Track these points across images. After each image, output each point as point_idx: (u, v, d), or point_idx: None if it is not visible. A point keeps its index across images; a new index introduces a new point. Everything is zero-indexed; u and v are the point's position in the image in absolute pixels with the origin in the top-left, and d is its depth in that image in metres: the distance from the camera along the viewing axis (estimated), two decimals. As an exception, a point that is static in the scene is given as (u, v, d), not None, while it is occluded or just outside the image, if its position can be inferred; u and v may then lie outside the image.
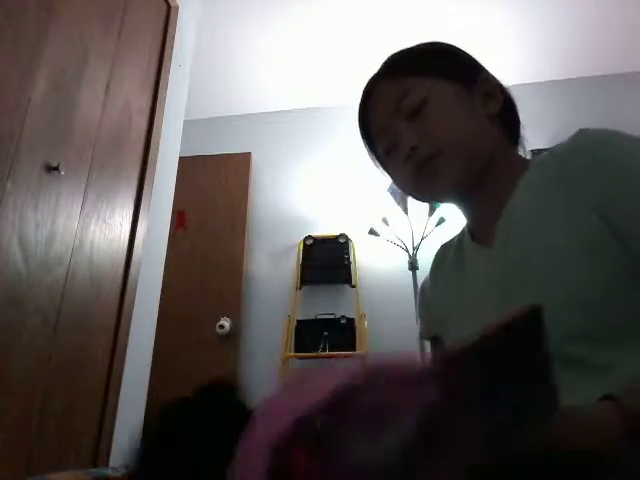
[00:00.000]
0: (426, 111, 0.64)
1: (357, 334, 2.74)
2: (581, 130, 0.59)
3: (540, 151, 0.70)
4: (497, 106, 0.67)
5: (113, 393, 1.47)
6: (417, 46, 0.72)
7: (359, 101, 0.73)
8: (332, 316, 2.81)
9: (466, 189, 0.65)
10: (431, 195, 0.67)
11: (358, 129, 0.75)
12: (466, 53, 0.71)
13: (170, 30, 2.01)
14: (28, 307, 1.18)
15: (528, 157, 0.71)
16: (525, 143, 0.73)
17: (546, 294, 0.52)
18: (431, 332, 0.77)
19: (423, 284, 0.80)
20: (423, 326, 0.80)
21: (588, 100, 3.08)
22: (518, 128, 0.71)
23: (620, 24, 2.79)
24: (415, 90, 0.65)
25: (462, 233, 0.75)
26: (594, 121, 2.91)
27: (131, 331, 1.59)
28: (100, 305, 1.46)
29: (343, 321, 2.78)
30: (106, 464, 1.38)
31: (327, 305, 2.89)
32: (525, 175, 0.63)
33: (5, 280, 1.12)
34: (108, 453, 1.42)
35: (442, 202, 0.71)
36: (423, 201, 0.70)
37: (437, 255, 0.79)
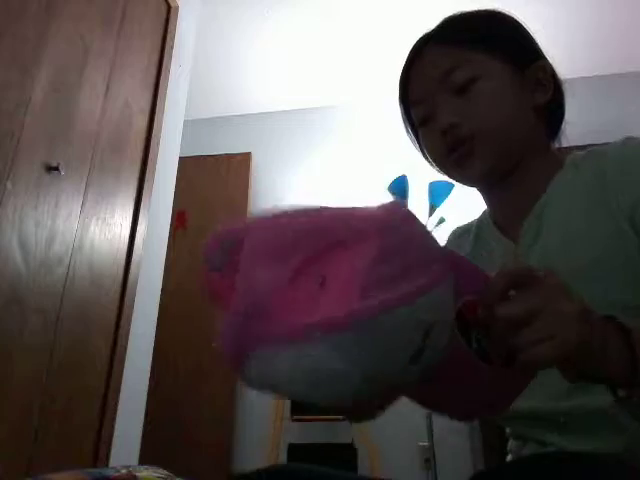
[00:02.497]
0: (474, 90, 0.61)
1: (357, 334, 2.74)
2: (627, 138, 0.58)
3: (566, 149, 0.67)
4: (545, 97, 0.63)
5: (113, 393, 1.47)
6: (479, 14, 0.67)
7: (405, 60, 0.68)
8: (332, 316, 2.81)
9: (496, 177, 0.63)
10: (460, 177, 0.65)
11: (398, 89, 0.69)
12: (528, 33, 0.67)
13: (170, 30, 2.01)
14: (28, 307, 1.18)
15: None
16: (564, 140, 0.69)
17: None
18: None
19: None
20: None
21: (588, 100, 3.08)
22: (561, 123, 0.68)
23: (620, 24, 2.79)
24: (468, 65, 0.61)
25: (480, 220, 0.72)
26: (594, 121, 2.91)
27: (131, 331, 1.59)
28: (100, 305, 1.46)
29: (343, 321, 2.77)
30: (106, 464, 1.38)
31: (327, 305, 2.89)
32: (560, 173, 0.61)
33: (5, 280, 1.12)
34: (108, 453, 1.42)
35: (469, 186, 0.68)
36: (450, 178, 0.67)
37: (454, 234, 0.76)
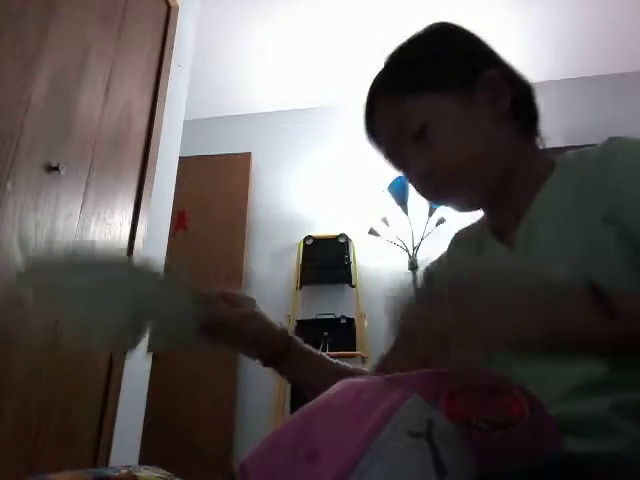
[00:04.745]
0: (429, 135, 0.61)
1: (357, 334, 2.74)
2: (610, 138, 0.56)
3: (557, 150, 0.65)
4: (506, 102, 0.61)
5: (113, 393, 1.47)
6: (406, 55, 0.66)
7: (363, 114, 0.70)
8: (332, 316, 2.81)
9: (486, 201, 0.64)
10: (453, 208, 0.66)
11: (367, 139, 0.72)
12: (468, 44, 0.66)
13: (170, 30, 2.01)
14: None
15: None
16: (543, 136, 0.67)
17: None
18: None
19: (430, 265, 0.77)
20: None
21: (587, 100, 3.08)
22: (536, 119, 0.66)
23: (620, 24, 2.79)
24: (413, 114, 0.61)
25: (481, 226, 0.71)
26: (593, 121, 2.91)
27: (131, 331, 1.59)
28: (100, 305, 1.46)
29: (343, 321, 2.78)
30: (106, 464, 1.38)
31: (327, 305, 2.89)
32: (551, 176, 0.60)
33: (5, 280, 1.12)
34: (108, 453, 1.42)
35: (463, 212, 0.68)
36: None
37: (459, 235, 0.76)
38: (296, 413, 0.40)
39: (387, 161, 0.70)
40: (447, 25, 0.67)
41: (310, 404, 0.40)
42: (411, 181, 0.67)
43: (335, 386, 0.41)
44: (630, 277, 0.50)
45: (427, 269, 0.76)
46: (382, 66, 0.68)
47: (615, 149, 0.54)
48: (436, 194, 0.64)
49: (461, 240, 0.75)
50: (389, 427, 0.34)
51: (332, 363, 0.77)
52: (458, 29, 0.67)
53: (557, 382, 0.52)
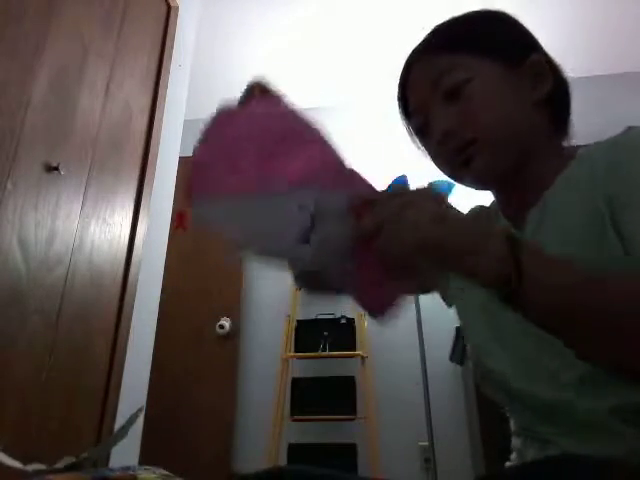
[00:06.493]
0: (467, 93, 0.59)
1: (357, 334, 2.74)
2: (629, 127, 0.56)
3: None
4: (544, 89, 0.61)
5: (113, 393, 1.47)
6: (466, 17, 0.65)
7: (400, 73, 0.68)
8: (332, 316, 2.81)
9: (502, 178, 0.62)
10: (465, 182, 0.64)
11: (397, 102, 0.69)
12: (519, 27, 0.65)
13: (170, 30, 2.01)
14: (28, 307, 1.18)
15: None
16: (573, 132, 0.66)
17: None
18: None
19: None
20: None
21: (587, 100, 3.08)
22: (567, 115, 0.65)
23: (621, 25, 2.79)
24: (458, 68, 0.60)
25: (495, 210, 0.71)
26: (593, 121, 2.91)
27: (131, 331, 1.59)
28: (100, 305, 1.46)
29: (343, 321, 2.78)
30: (106, 464, 1.38)
31: (327, 305, 2.89)
32: (569, 166, 0.60)
33: (5, 280, 1.12)
34: (108, 453, 1.42)
35: (479, 189, 0.66)
36: (459, 183, 0.66)
37: (474, 209, 0.75)
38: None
39: (413, 117, 0.67)
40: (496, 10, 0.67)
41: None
42: (428, 144, 0.65)
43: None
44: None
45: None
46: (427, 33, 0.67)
47: (629, 138, 0.54)
48: (454, 156, 0.61)
49: (476, 213, 0.74)
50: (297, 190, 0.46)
51: None
52: (508, 14, 0.67)
53: (555, 379, 0.52)
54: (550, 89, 0.62)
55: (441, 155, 0.63)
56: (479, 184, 0.64)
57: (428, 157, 0.69)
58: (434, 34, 0.66)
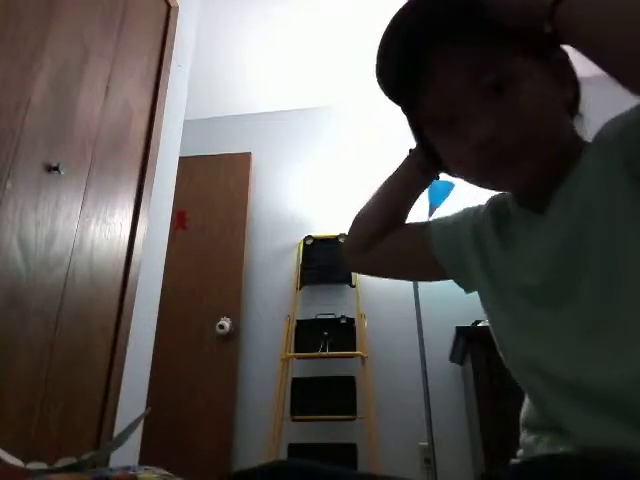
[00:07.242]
0: (512, 92, 0.53)
1: (357, 334, 2.74)
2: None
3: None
4: (572, 91, 0.58)
5: (113, 393, 1.47)
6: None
7: (404, 45, 0.58)
8: (332, 316, 2.81)
9: (533, 178, 0.57)
10: (499, 183, 0.60)
11: (393, 83, 0.63)
12: None
13: (170, 30, 2.01)
14: (28, 307, 1.18)
15: None
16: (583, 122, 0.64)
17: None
18: (444, 252, 0.73)
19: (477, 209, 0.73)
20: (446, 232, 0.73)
21: (586, 100, 3.08)
22: (577, 106, 0.63)
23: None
24: (499, 63, 0.54)
25: (505, 202, 0.68)
26: (594, 121, 2.90)
27: (131, 331, 1.59)
28: (100, 305, 1.46)
29: (343, 321, 2.78)
30: (106, 464, 1.38)
31: (327, 305, 2.90)
32: (582, 157, 0.57)
33: (5, 280, 1.12)
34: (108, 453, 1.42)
35: (496, 190, 0.62)
36: (479, 186, 0.60)
37: (494, 205, 0.71)
38: None
39: (431, 107, 0.59)
40: None
41: None
42: (453, 141, 0.58)
43: None
44: None
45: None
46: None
47: (630, 110, 0.54)
48: (494, 160, 0.55)
49: (495, 209, 0.71)
50: None
51: None
52: None
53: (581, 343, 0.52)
54: (576, 89, 0.59)
55: (472, 159, 0.56)
56: (519, 187, 0.61)
57: (436, 150, 0.62)
58: (464, 20, 0.55)
